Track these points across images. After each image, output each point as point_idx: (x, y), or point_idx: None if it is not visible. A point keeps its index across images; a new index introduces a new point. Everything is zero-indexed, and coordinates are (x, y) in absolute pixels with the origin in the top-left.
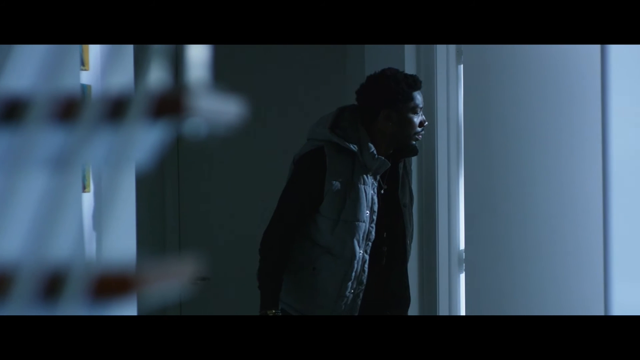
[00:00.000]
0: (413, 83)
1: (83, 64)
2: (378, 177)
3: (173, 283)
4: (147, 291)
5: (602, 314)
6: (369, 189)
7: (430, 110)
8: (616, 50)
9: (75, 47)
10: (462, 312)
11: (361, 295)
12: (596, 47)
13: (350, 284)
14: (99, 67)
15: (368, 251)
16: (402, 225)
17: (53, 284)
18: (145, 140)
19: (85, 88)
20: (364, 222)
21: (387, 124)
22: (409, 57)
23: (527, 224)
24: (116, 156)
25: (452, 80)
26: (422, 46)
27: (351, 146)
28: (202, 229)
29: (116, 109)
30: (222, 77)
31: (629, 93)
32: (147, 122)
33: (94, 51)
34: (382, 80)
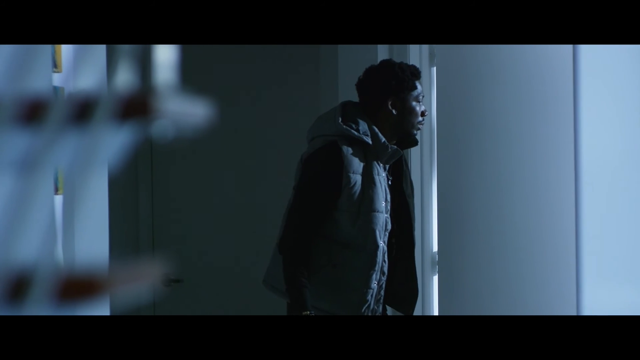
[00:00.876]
0: (416, 72)
1: (55, 66)
2: (387, 168)
3: (141, 285)
4: (114, 294)
5: (575, 314)
6: (383, 179)
7: None
8: (587, 51)
9: (47, 49)
10: (436, 313)
11: (384, 285)
12: (568, 48)
13: (375, 275)
14: (71, 69)
15: (386, 242)
16: (407, 215)
17: (19, 286)
18: (112, 142)
19: (57, 90)
20: (382, 212)
21: (392, 112)
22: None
23: (500, 225)
24: (83, 158)
25: (425, 82)
26: (395, 48)
27: (364, 137)
28: (176, 231)
29: (83, 111)
30: (192, 78)
31: (600, 93)
32: (114, 124)
33: (67, 53)
34: (387, 69)
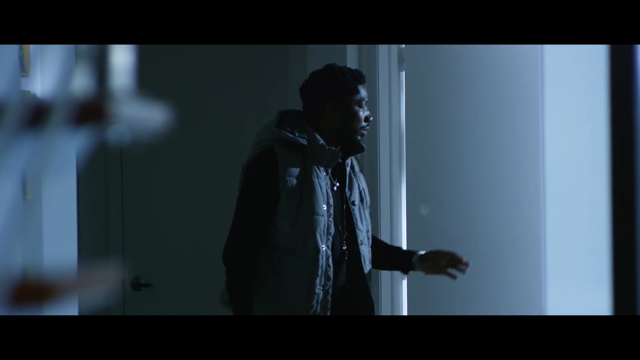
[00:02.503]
0: (358, 76)
1: (24, 70)
2: (329, 173)
3: (99, 289)
4: (71, 297)
5: (540, 314)
6: (323, 183)
7: (372, 116)
8: (553, 52)
9: (15, 54)
10: (405, 314)
11: (330, 291)
12: (536, 52)
13: (318, 280)
14: (39, 73)
15: (330, 246)
16: (351, 223)
17: None
18: (68, 146)
19: (24, 94)
20: (322, 215)
21: (333, 116)
22: (350, 64)
23: (468, 226)
24: (39, 162)
25: (394, 86)
26: (364, 52)
27: (300, 139)
28: (146, 235)
29: (38, 115)
30: (156, 82)
31: (565, 96)
32: (70, 128)
33: (35, 58)
34: (327, 73)
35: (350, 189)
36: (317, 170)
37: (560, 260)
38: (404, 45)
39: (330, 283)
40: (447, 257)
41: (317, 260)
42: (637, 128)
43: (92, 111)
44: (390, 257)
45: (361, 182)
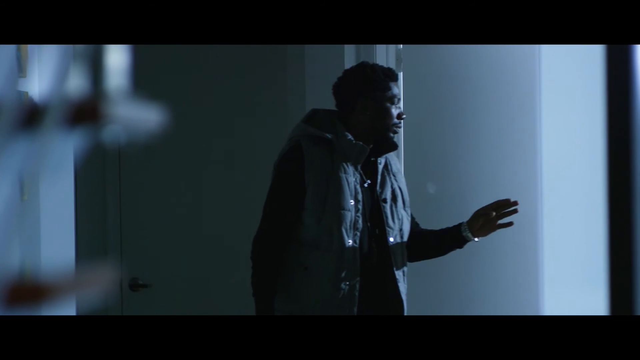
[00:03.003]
0: (390, 73)
1: (21, 71)
2: (359, 169)
3: (94, 290)
4: (65, 298)
5: (536, 314)
6: (351, 178)
7: None
8: (550, 52)
9: (13, 55)
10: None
11: (357, 286)
12: (533, 52)
13: (343, 274)
14: (37, 74)
15: (357, 241)
16: (381, 221)
17: None
18: (63, 147)
19: (22, 95)
20: (349, 210)
21: (364, 113)
22: (349, 65)
23: None
24: (34, 163)
25: None
26: (362, 53)
27: (327, 135)
28: (144, 236)
29: (33, 116)
30: (151, 83)
31: (562, 97)
32: (64, 129)
33: (33, 59)
34: (359, 70)
35: (382, 187)
36: (345, 166)
37: (557, 260)
38: (401, 46)
39: (357, 279)
40: (492, 208)
41: (343, 255)
42: (635, 128)
43: (87, 112)
44: (440, 240)
45: (396, 181)
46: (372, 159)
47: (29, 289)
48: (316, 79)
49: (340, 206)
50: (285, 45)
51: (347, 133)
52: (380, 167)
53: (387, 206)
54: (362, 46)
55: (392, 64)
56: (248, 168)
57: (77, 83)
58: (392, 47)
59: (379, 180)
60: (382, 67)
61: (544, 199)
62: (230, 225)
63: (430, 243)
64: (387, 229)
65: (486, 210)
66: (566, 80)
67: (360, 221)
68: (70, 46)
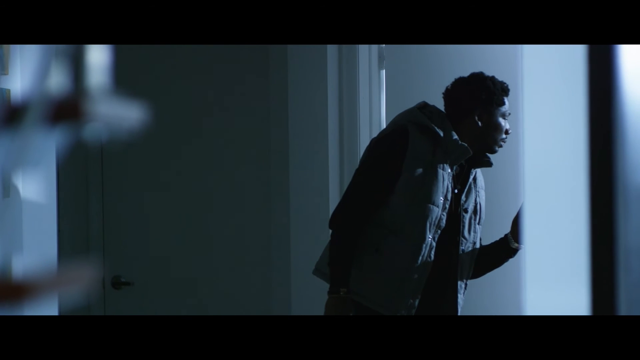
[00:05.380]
0: (506, 88)
1: (3, 68)
2: (454, 173)
3: (75, 288)
4: (45, 297)
5: (518, 314)
6: (447, 177)
7: (353, 114)
8: (532, 52)
9: None
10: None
11: (424, 282)
12: (515, 52)
13: (416, 267)
14: (19, 71)
15: (436, 239)
16: (459, 229)
17: None
18: (44, 145)
19: (4, 92)
20: (437, 207)
21: (476, 123)
22: (331, 62)
23: None
24: (15, 161)
25: (375, 85)
26: (345, 52)
27: (436, 129)
28: (126, 233)
29: (14, 114)
30: (133, 81)
31: (544, 95)
32: (46, 127)
33: (15, 56)
34: (480, 81)
35: (467, 197)
36: (444, 164)
37: (538, 259)
38: (384, 45)
39: (426, 275)
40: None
41: (420, 247)
42: (616, 127)
43: (68, 109)
44: (496, 254)
45: (479, 197)
46: (466, 167)
47: (10, 287)
48: (299, 78)
49: (431, 199)
50: (268, 45)
51: (454, 132)
52: (471, 177)
53: (467, 217)
54: (344, 45)
55: (374, 62)
56: (230, 166)
57: (58, 81)
58: (374, 46)
59: (465, 190)
60: (500, 81)
61: (525, 197)
62: (213, 222)
63: (490, 259)
64: (462, 238)
65: (518, 221)
66: (548, 80)
67: (444, 220)
68: (50, 44)
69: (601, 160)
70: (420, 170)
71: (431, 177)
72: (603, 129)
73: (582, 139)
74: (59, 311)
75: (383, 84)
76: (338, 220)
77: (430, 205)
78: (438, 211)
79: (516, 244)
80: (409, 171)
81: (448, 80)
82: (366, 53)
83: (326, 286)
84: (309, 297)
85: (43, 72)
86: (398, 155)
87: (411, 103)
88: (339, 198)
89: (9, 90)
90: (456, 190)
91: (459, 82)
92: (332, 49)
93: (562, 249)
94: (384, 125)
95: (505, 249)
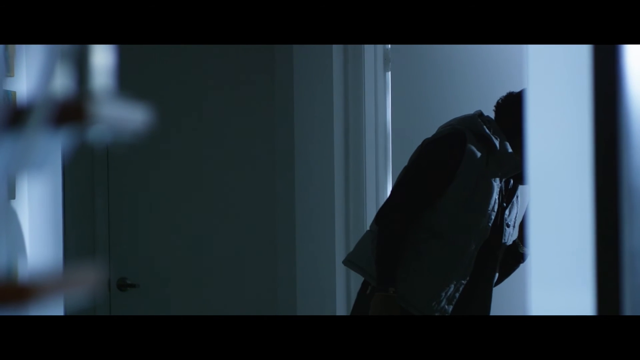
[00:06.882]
0: None
1: (9, 70)
2: (502, 186)
3: (79, 290)
4: (53, 298)
5: (523, 314)
6: (497, 188)
7: (358, 116)
8: (538, 52)
9: (1, 54)
10: None
11: (461, 289)
12: (520, 52)
13: (454, 274)
14: (24, 73)
15: (478, 248)
16: (500, 242)
17: None
18: (49, 147)
19: (9, 95)
20: (485, 217)
21: None
22: (336, 63)
23: None
24: (20, 163)
25: (380, 87)
26: (350, 53)
27: (493, 137)
28: (132, 235)
29: (20, 116)
30: (137, 82)
31: (550, 96)
32: (50, 129)
33: (20, 58)
34: None
35: (510, 212)
36: (495, 176)
37: (543, 260)
38: (389, 46)
39: (464, 283)
40: None
41: (463, 255)
42: (621, 129)
43: (73, 111)
44: (509, 261)
45: (519, 214)
46: (512, 182)
47: (16, 289)
48: (304, 78)
49: (480, 208)
50: (273, 45)
51: (507, 144)
52: (517, 193)
53: (508, 231)
54: (350, 46)
55: (379, 64)
56: (235, 167)
57: (63, 82)
58: (380, 46)
59: (510, 205)
60: None
61: (530, 198)
62: (218, 223)
63: (501, 266)
64: (500, 252)
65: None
66: (553, 81)
67: (488, 231)
68: (57, 46)
69: (606, 162)
70: (473, 178)
71: (483, 187)
72: (608, 131)
73: (587, 141)
74: (65, 313)
75: (389, 86)
76: (387, 218)
77: (479, 215)
78: (485, 221)
79: (525, 249)
80: (462, 177)
81: (453, 82)
82: (372, 55)
83: (334, 284)
84: (315, 296)
85: (48, 75)
86: (454, 159)
87: (417, 105)
88: (344, 198)
89: (14, 93)
90: (504, 204)
91: (515, 98)
92: (337, 50)
93: (568, 252)
94: (390, 127)
95: (515, 255)
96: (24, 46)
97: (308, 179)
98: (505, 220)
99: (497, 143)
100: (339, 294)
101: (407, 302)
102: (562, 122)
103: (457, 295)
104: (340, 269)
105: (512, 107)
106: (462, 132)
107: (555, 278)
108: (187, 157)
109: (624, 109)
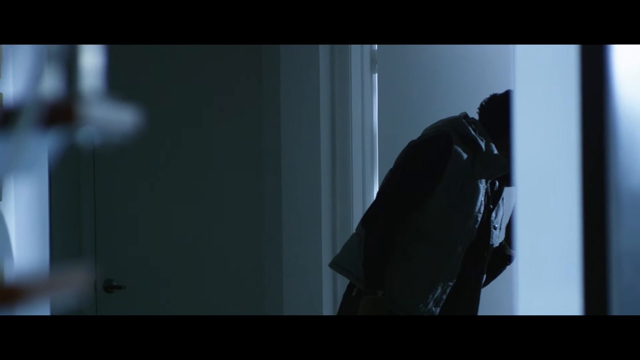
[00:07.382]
0: None
1: None
2: (487, 187)
3: (67, 292)
4: (40, 300)
5: (510, 314)
6: (483, 190)
7: (345, 117)
8: (525, 52)
9: None
10: None
11: (448, 291)
12: (507, 52)
13: (443, 275)
14: (10, 74)
15: (464, 250)
16: (487, 244)
17: None
18: (37, 148)
19: None
20: (471, 219)
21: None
22: (323, 64)
23: None
24: (7, 165)
25: (367, 88)
26: (337, 54)
27: (479, 139)
28: (118, 237)
29: (7, 117)
30: (126, 83)
31: (537, 96)
32: (38, 130)
33: (7, 59)
34: None
35: (496, 214)
36: (481, 178)
37: (530, 261)
38: (376, 47)
39: (451, 285)
40: None
41: (449, 257)
42: (608, 129)
43: (61, 113)
44: (497, 263)
45: (504, 216)
46: (498, 184)
47: (2, 291)
48: (291, 79)
49: (467, 210)
50: (260, 46)
51: (493, 145)
52: (502, 195)
53: (495, 233)
54: (337, 48)
55: (366, 66)
56: (222, 168)
57: (51, 84)
58: (366, 47)
59: (496, 207)
60: None
61: (517, 199)
62: (205, 224)
63: (489, 268)
64: (486, 254)
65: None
66: (541, 81)
67: (474, 233)
68: (45, 47)
69: (593, 163)
70: (459, 180)
71: (471, 189)
72: (595, 132)
73: (574, 142)
74: (51, 314)
75: (375, 88)
76: (374, 220)
77: (466, 216)
78: (472, 224)
79: (512, 251)
80: (449, 179)
81: (440, 84)
82: (358, 56)
83: (320, 286)
84: (301, 297)
85: (36, 76)
86: (441, 160)
87: (403, 106)
88: (331, 200)
89: (1, 94)
90: (491, 206)
91: (499, 99)
92: (324, 51)
93: (555, 253)
94: (376, 128)
95: (502, 256)
96: (11, 46)
97: (295, 180)
98: (492, 222)
99: (482, 145)
100: (326, 296)
101: (394, 304)
102: (549, 123)
103: (444, 297)
104: (326, 271)
105: (496, 108)
106: (448, 134)
107: (543, 279)
108: (173, 159)
109: (611, 110)
